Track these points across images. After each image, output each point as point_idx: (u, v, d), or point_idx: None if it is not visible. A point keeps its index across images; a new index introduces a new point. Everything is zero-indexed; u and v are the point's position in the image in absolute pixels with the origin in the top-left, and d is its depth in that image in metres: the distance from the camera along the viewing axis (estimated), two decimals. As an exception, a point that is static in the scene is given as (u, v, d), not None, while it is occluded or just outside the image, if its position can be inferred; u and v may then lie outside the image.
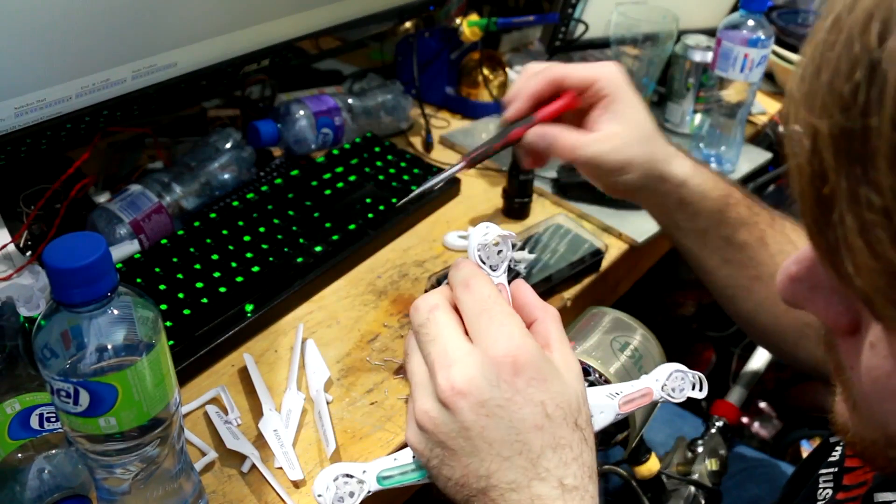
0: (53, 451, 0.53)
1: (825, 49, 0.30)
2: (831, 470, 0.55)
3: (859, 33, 0.28)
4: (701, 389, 0.55)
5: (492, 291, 0.47)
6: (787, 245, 0.69)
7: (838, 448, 0.57)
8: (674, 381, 0.55)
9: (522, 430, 0.43)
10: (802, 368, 0.72)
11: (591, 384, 0.64)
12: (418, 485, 0.48)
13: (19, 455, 0.53)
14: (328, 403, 0.66)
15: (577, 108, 0.70)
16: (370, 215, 0.87)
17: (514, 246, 0.53)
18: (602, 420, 0.52)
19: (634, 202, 0.73)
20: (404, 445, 0.63)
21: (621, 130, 0.67)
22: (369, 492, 0.47)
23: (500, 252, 0.51)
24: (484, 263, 0.50)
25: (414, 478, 0.48)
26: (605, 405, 0.51)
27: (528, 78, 0.69)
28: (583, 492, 0.43)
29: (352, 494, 0.46)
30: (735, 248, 0.70)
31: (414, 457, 0.48)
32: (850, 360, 0.35)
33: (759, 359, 1.12)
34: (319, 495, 0.46)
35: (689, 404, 0.90)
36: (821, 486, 0.55)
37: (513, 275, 0.78)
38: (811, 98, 0.30)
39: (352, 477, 0.47)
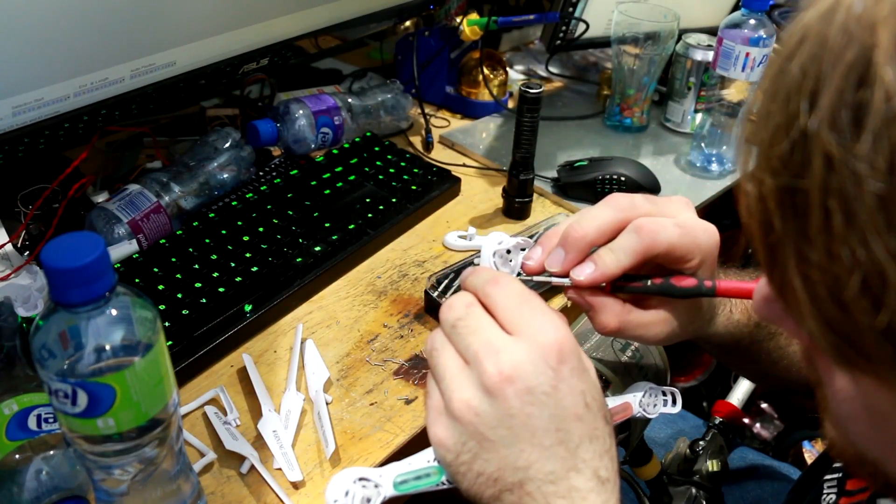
0: (51, 452, 0.52)
1: (770, 98, 0.31)
2: (835, 476, 0.55)
3: (795, 91, 0.29)
4: (674, 405, 0.57)
5: (522, 287, 0.47)
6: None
7: None
8: (648, 397, 0.57)
9: (565, 419, 0.43)
10: None
11: None
12: (432, 491, 0.47)
13: (17, 456, 0.52)
14: (327, 404, 0.66)
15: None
16: (370, 215, 0.86)
17: (521, 249, 0.54)
18: None
19: None
20: (403, 447, 0.63)
21: (674, 315, 0.56)
22: (386, 497, 0.46)
23: (511, 262, 0.52)
24: (498, 270, 0.51)
25: (431, 482, 0.47)
26: None
27: (622, 243, 0.51)
28: (613, 484, 0.44)
29: (368, 500, 0.45)
30: (763, 354, 0.66)
31: (430, 460, 0.47)
32: (826, 377, 0.36)
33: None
34: (335, 500, 0.45)
35: (691, 405, 0.90)
36: (825, 491, 0.54)
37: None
38: (757, 149, 0.31)
39: (368, 481, 0.46)
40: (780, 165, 0.29)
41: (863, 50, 0.27)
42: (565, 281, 0.52)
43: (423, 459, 0.47)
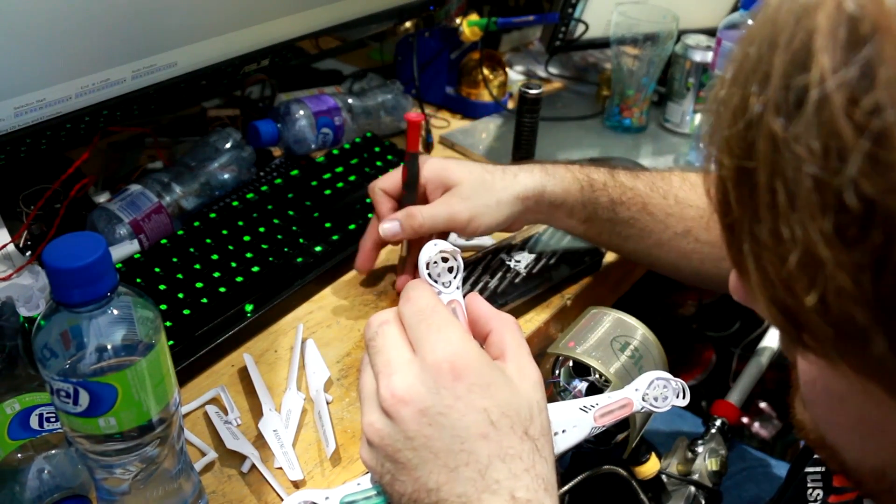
0: (53, 452, 0.53)
1: (731, 81, 0.31)
2: (817, 469, 0.55)
3: (751, 73, 0.30)
4: (684, 397, 0.54)
5: (430, 301, 0.46)
6: (672, 201, 0.73)
7: None
8: (655, 389, 0.53)
9: (467, 439, 0.41)
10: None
11: (592, 385, 0.64)
12: None
13: (19, 455, 0.53)
14: (328, 403, 0.66)
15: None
16: (370, 215, 0.86)
17: (463, 261, 0.51)
18: (576, 435, 0.50)
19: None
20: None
21: (458, 191, 0.71)
22: None
23: (450, 269, 0.50)
24: (436, 282, 0.49)
25: (377, 503, 0.47)
26: (579, 419, 0.50)
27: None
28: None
29: None
30: (625, 225, 0.73)
31: (373, 480, 0.47)
32: (793, 359, 0.36)
33: (760, 359, 1.12)
34: None
35: (690, 404, 0.90)
36: (809, 485, 0.55)
37: (513, 274, 0.78)
38: (718, 130, 0.32)
39: None
40: (736, 146, 0.30)
41: (805, 34, 0.28)
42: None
43: (372, 480, 0.47)
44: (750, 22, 0.32)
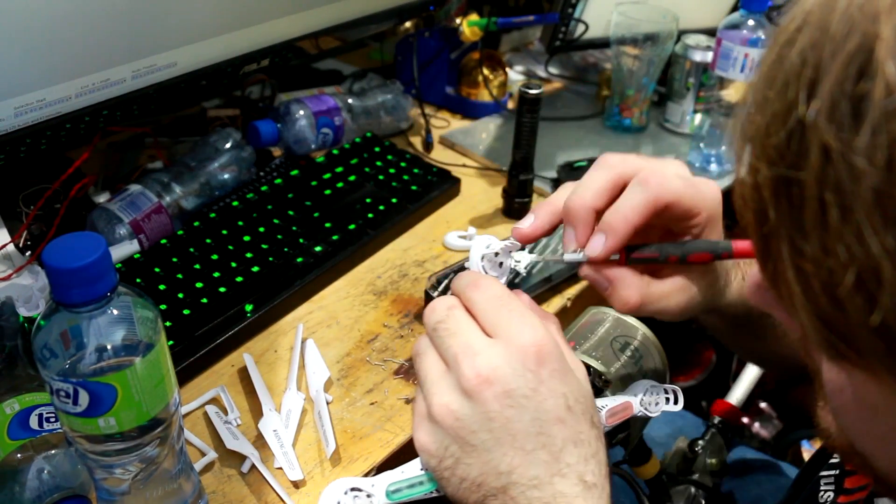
0: (53, 452, 0.53)
1: (766, 85, 0.30)
2: (832, 472, 0.55)
3: (794, 78, 0.28)
4: (676, 403, 0.56)
5: (505, 288, 0.46)
6: None
7: None
8: (649, 395, 0.56)
9: (546, 422, 0.42)
10: None
11: (592, 385, 0.64)
12: (425, 499, 0.47)
13: (19, 455, 0.52)
14: (328, 403, 0.66)
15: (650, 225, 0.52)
16: (370, 215, 0.87)
17: (510, 252, 0.53)
18: None
19: None
20: (404, 446, 0.63)
21: (692, 282, 0.53)
22: None
23: (500, 264, 0.52)
24: (487, 274, 0.51)
25: (423, 490, 0.46)
26: None
27: (625, 200, 0.49)
28: (601, 490, 0.43)
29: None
30: (769, 328, 0.64)
31: (422, 468, 0.47)
32: (819, 367, 0.36)
33: (760, 359, 1.12)
34: None
35: (690, 404, 0.90)
36: (822, 488, 0.54)
37: (513, 274, 0.78)
38: (753, 137, 0.30)
39: (360, 491, 0.46)
40: (776, 155, 0.29)
41: (864, 40, 0.26)
42: (579, 257, 0.50)
43: (416, 467, 0.47)
44: (781, 21, 0.31)
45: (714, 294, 0.55)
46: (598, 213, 0.49)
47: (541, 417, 0.42)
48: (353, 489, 0.46)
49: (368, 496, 0.46)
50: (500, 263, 0.52)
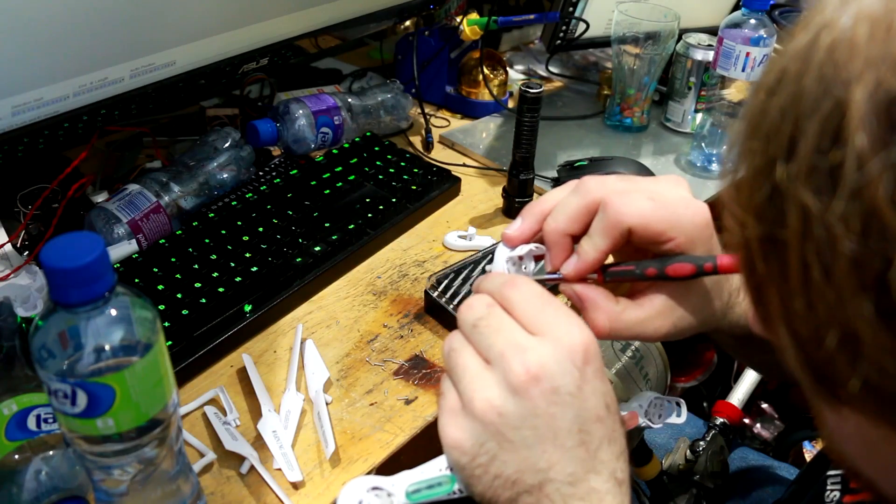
0: (51, 453, 0.52)
1: (751, 135, 0.30)
2: (839, 472, 0.55)
3: (774, 133, 0.28)
4: (679, 415, 0.57)
5: (542, 288, 0.46)
6: None
7: None
8: (654, 407, 0.57)
9: (587, 420, 0.43)
10: None
11: None
12: (444, 500, 0.46)
13: (16, 456, 0.52)
14: (327, 404, 0.66)
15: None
16: (370, 215, 0.86)
17: (533, 256, 0.53)
18: None
19: None
20: (403, 447, 0.63)
21: (676, 303, 0.52)
22: None
23: (524, 268, 0.52)
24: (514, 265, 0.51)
25: (443, 491, 0.46)
26: None
27: (593, 231, 0.50)
28: (627, 487, 0.44)
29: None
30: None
31: (442, 469, 0.46)
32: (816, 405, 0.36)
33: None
34: None
35: (691, 405, 0.90)
36: (828, 488, 0.54)
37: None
38: (738, 192, 0.30)
39: (381, 490, 0.45)
40: (761, 212, 0.29)
41: (836, 106, 0.26)
42: (555, 275, 0.52)
43: (436, 468, 0.46)
44: (763, 69, 0.31)
45: (712, 314, 0.54)
46: (576, 238, 0.51)
47: (583, 415, 0.43)
48: (374, 488, 0.45)
49: (389, 495, 0.45)
50: (525, 267, 0.52)
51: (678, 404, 0.58)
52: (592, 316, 0.51)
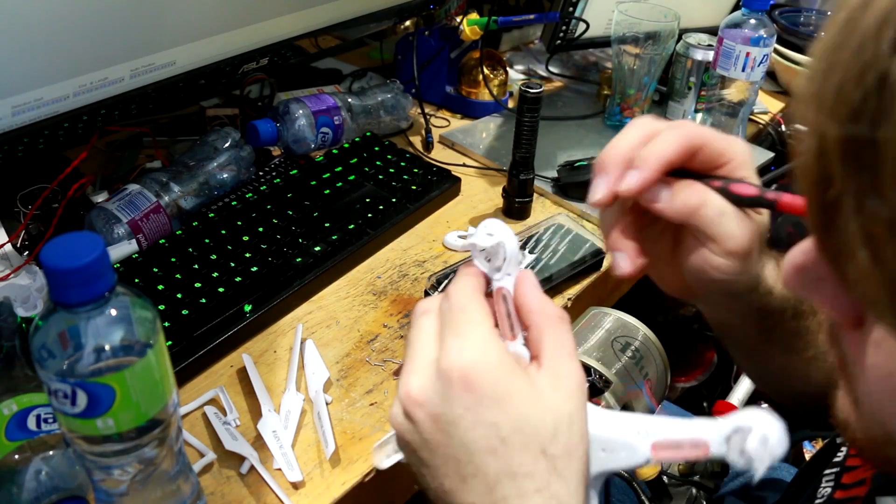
0: (51, 453, 0.52)
1: (836, 49, 0.29)
2: (834, 470, 0.55)
3: (872, 38, 0.28)
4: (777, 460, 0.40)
5: (464, 298, 0.43)
6: None
7: (843, 448, 0.56)
8: (739, 434, 0.39)
9: (475, 452, 0.40)
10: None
11: (592, 386, 0.64)
12: None
13: (16, 456, 0.52)
14: (327, 404, 0.66)
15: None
16: (370, 215, 0.86)
17: (521, 242, 0.50)
18: (623, 459, 0.42)
19: (691, 302, 0.59)
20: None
21: (747, 221, 0.49)
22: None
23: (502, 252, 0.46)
24: (489, 262, 0.45)
25: None
26: (631, 444, 0.41)
27: (658, 140, 0.47)
28: None
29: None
30: (797, 337, 0.59)
31: None
32: (855, 354, 0.35)
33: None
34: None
35: (691, 405, 0.90)
36: (822, 485, 0.54)
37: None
38: (820, 99, 0.29)
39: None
40: (848, 116, 0.28)
41: None
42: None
43: None
44: None
45: (748, 278, 0.51)
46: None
47: (469, 447, 0.40)
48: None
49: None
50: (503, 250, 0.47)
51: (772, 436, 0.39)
52: (686, 189, 0.47)
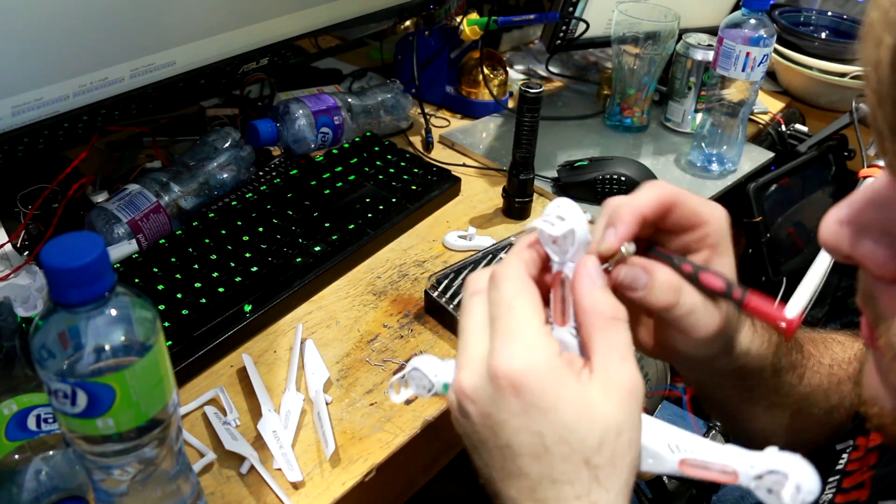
0: (51, 453, 0.52)
1: None
2: (835, 477, 0.55)
3: None
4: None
5: (511, 289, 0.42)
6: (822, 371, 0.62)
7: (844, 455, 0.56)
8: (771, 476, 0.38)
9: (519, 455, 0.40)
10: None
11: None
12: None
13: (16, 456, 0.52)
14: (327, 404, 0.66)
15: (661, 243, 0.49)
16: (370, 215, 0.86)
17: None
18: (649, 465, 0.42)
19: (670, 363, 0.59)
20: (404, 447, 0.63)
21: (715, 310, 0.48)
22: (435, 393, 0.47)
23: (570, 239, 0.43)
24: (555, 244, 0.43)
25: None
26: (660, 453, 0.41)
27: (633, 195, 0.47)
28: None
29: (429, 390, 0.47)
30: (778, 393, 0.59)
31: None
32: (892, 310, 0.35)
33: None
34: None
35: (691, 405, 0.90)
36: (824, 492, 0.54)
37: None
38: (886, 11, 0.30)
39: (426, 374, 0.47)
40: None
41: None
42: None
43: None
44: None
45: (726, 338, 0.50)
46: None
47: (513, 450, 0.40)
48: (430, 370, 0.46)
49: (431, 385, 0.46)
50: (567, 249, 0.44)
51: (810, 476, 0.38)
52: (663, 279, 0.46)
